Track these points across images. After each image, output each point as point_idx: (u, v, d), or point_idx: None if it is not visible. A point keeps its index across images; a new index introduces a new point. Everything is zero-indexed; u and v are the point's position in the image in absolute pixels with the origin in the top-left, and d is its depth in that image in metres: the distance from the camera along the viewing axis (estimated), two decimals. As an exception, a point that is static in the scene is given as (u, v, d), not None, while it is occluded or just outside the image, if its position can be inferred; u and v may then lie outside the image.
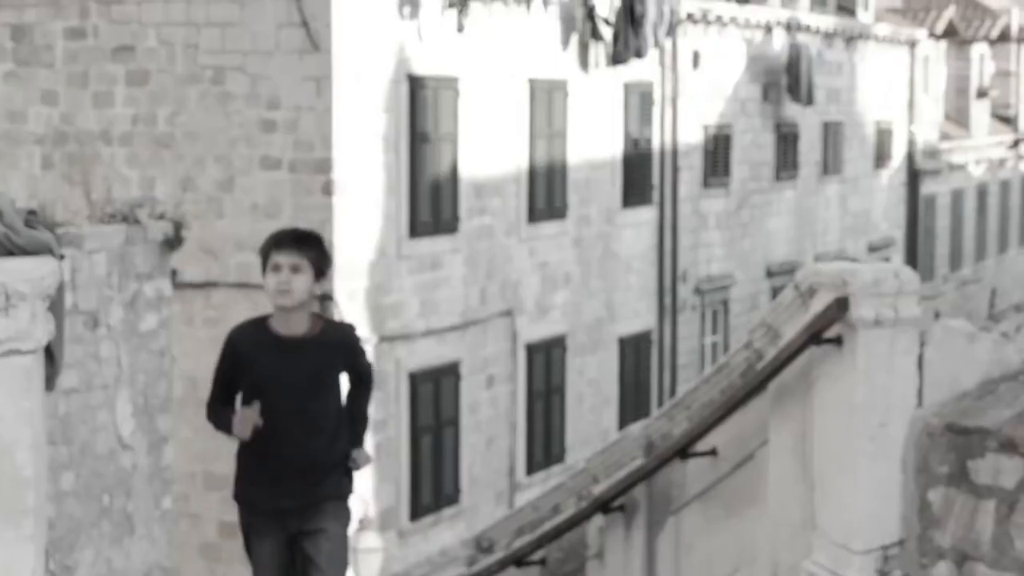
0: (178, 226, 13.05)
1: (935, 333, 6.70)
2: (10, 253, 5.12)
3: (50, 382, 5.05)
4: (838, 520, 6.63)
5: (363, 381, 6.28)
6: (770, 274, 28.24)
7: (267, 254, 5.96)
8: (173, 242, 13.01)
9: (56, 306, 4.93)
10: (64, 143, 19.03)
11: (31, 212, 5.30)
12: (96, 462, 12.04)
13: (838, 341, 6.61)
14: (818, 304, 6.69)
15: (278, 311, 5.97)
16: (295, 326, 5.96)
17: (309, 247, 5.98)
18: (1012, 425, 6.17)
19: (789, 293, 6.99)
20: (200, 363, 18.05)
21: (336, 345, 6.08)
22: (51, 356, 5.00)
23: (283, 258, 5.91)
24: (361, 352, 6.22)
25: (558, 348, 22.51)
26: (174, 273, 13.44)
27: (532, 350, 21.90)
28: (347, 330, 6.26)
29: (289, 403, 5.95)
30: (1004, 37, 39.01)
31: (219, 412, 6.09)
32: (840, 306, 6.51)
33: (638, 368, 24.55)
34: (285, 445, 5.97)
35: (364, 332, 17.63)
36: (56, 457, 11.32)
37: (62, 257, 5.23)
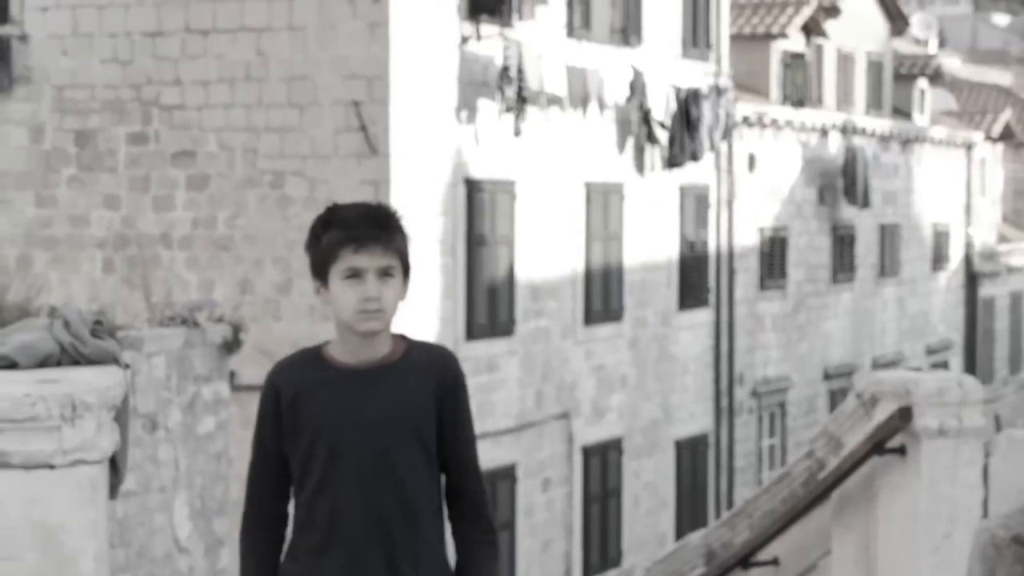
0: (236, 329, 13.14)
1: (1000, 443, 6.64)
2: (76, 363, 5.17)
3: (114, 491, 5.07)
4: (903, 633, 6.54)
5: (464, 464, 4.00)
6: (827, 376, 28.07)
7: (333, 254, 3.88)
8: (231, 345, 13.09)
9: (121, 415, 4.96)
10: (125, 247, 19.23)
11: (97, 322, 5.35)
12: (153, 565, 12.05)
13: (901, 451, 6.57)
14: (881, 413, 6.65)
15: (354, 338, 3.91)
16: (370, 351, 3.93)
17: (398, 236, 3.93)
18: (1080, 538, 6.08)
19: (851, 402, 6.95)
20: (257, 465, 18.06)
21: (429, 370, 3.95)
22: (115, 465, 5.03)
23: (367, 260, 3.86)
24: (463, 394, 4.01)
25: (614, 451, 22.40)
26: (232, 375, 13.51)
27: (588, 453, 21.80)
28: (443, 353, 4.02)
29: (365, 458, 3.86)
30: (1061, 139, 38.92)
31: (259, 548, 4.05)
32: (903, 415, 6.48)
33: (695, 471, 24.39)
34: (361, 526, 3.86)
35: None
36: (114, 560, 11.34)
37: (127, 367, 5.27)
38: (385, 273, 3.87)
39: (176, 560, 12.35)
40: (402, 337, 4.01)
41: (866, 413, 6.76)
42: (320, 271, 3.92)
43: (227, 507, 13.27)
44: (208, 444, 12.89)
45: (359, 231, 3.87)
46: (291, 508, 4.04)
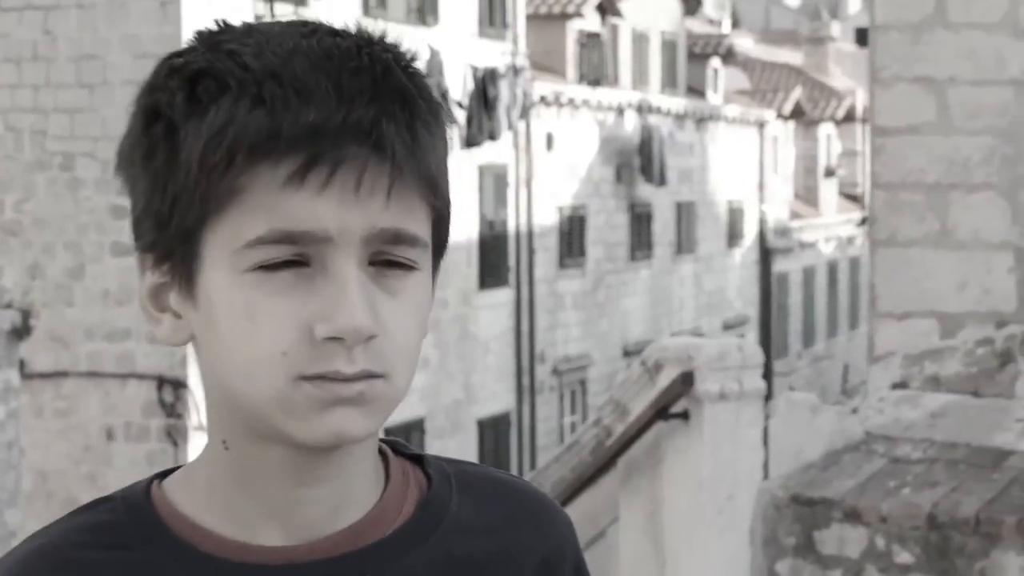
0: (26, 315, 12.85)
1: (779, 406, 6.80)
2: None
3: None
4: (689, 594, 6.66)
5: None
6: (627, 353, 28.43)
7: (227, 188, 1.11)
8: (21, 331, 12.79)
9: None
10: (-92, 232, 18.66)
11: None
12: (-60, 558, 11.73)
13: (685, 416, 6.68)
14: (664, 379, 6.76)
15: (278, 457, 1.21)
16: (321, 506, 1.24)
17: (439, 138, 1.23)
18: (855, 495, 6.26)
19: (636, 369, 7.05)
20: (50, 455, 17.71)
21: (506, 564, 1.31)
22: None
23: (338, 212, 1.15)
24: None
25: (417, 431, 22.42)
26: (22, 363, 13.22)
27: (391, 434, 21.57)
28: (539, 511, 1.36)
29: None
30: (849, 117, 39.98)
31: None
32: (685, 380, 6.59)
33: (497, 449, 24.53)
34: None
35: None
36: (-102, 554, 11.01)
37: None
38: (393, 261, 1.27)
39: (-35, 552, 12.05)
40: (397, 454, 1.43)
41: (650, 379, 6.86)
42: (171, 233, 1.18)
43: (18, 498, 12.98)
44: (-3, 432, 12.57)
45: (324, 111, 1.16)
46: None
